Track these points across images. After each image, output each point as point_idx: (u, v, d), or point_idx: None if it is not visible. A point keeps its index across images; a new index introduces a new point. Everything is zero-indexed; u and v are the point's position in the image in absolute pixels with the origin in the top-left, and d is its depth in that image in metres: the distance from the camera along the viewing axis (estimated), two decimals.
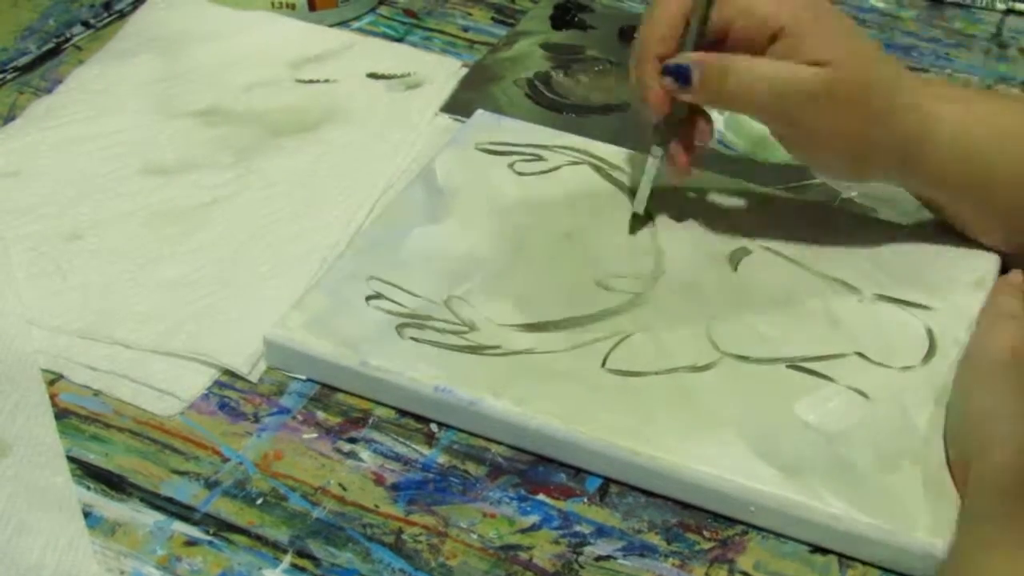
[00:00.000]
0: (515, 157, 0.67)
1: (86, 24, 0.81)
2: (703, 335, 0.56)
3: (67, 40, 0.79)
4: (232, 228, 0.63)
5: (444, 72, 0.77)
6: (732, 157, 0.71)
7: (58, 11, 0.82)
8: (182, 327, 0.57)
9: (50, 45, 0.79)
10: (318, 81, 0.75)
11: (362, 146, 0.70)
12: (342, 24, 0.82)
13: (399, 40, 0.81)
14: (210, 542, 0.48)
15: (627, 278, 0.59)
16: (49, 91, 0.73)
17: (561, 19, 0.84)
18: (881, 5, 0.91)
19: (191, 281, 0.59)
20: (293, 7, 0.80)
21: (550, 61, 0.79)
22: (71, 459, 0.51)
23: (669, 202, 0.64)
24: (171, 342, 0.56)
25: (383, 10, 0.85)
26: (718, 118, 0.75)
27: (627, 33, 0.83)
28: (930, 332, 0.57)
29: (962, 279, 0.60)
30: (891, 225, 0.65)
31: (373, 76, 0.76)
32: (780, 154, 0.72)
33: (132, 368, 0.55)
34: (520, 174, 0.66)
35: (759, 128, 0.73)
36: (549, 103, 0.75)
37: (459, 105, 0.74)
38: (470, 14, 0.85)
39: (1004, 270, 0.61)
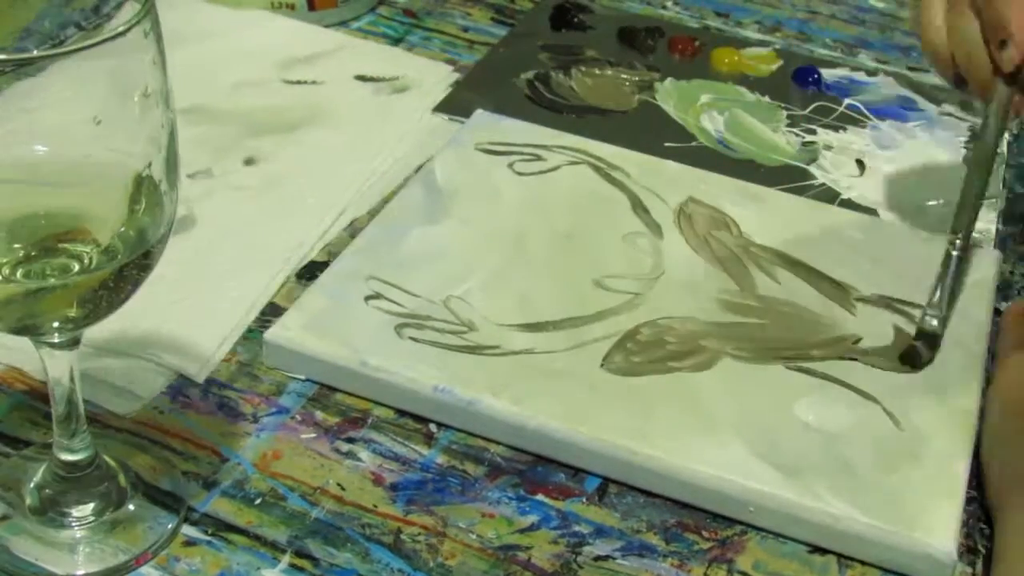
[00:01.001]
0: (514, 157, 0.67)
1: (78, 26, 0.81)
2: (702, 335, 0.56)
3: (61, 42, 0.79)
4: (199, 227, 0.63)
5: (434, 76, 0.76)
6: (733, 158, 0.71)
7: (52, 13, 0.82)
8: (137, 325, 0.56)
9: (45, 46, 0.79)
10: (305, 82, 0.75)
11: (341, 148, 0.69)
12: (342, 24, 0.82)
13: (398, 40, 0.81)
14: (209, 542, 0.48)
15: (626, 278, 0.59)
16: None
17: (560, 20, 0.85)
18: (881, 5, 0.91)
19: (150, 280, 0.59)
20: (292, 7, 0.80)
21: (550, 61, 0.79)
22: None
23: (668, 203, 0.64)
24: (124, 341, 0.55)
25: (383, 10, 0.85)
26: (718, 119, 0.75)
27: (626, 34, 0.83)
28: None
29: (961, 279, 0.60)
30: (891, 225, 0.65)
31: (361, 78, 0.76)
32: (780, 155, 0.72)
33: (89, 365, 0.54)
34: (519, 174, 0.66)
35: (761, 129, 0.73)
36: (549, 104, 0.75)
37: (459, 105, 0.74)
38: (469, 14, 0.85)
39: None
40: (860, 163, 0.72)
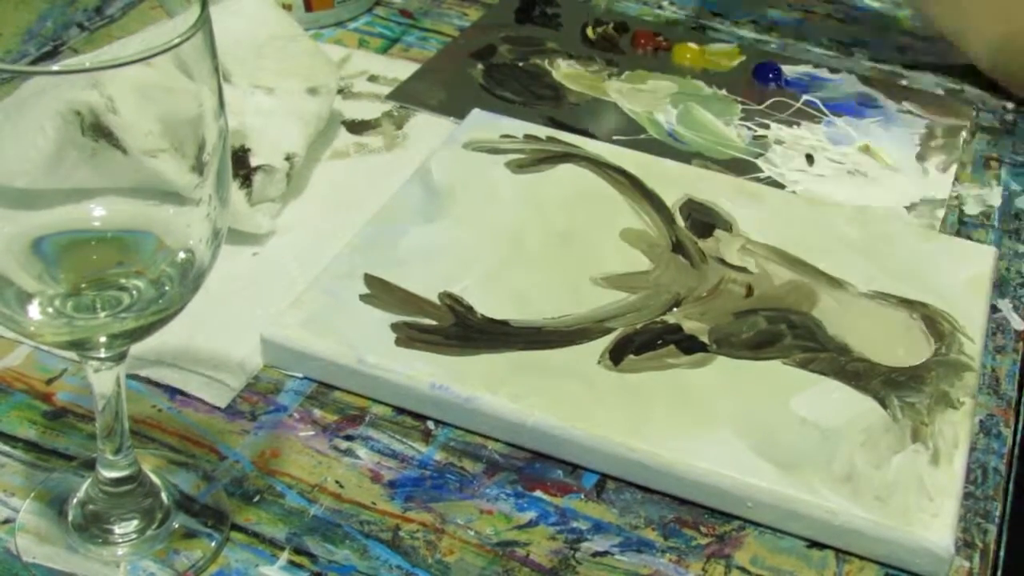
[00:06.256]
0: (511, 155, 0.67)
1: (81, 27, 0.81)
2: (699, 332, 0.56)
3: (64, 43, 0.79)
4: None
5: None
6: (681, 151, 0.71)
7: (55, 14, 0.82)
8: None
9: (47, 48, 0.79)
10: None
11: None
12: (338, 25, 0.82)
13: (395, 40, 0.82)
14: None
15: (623, 275, 0.59)
16: None
17: (526, 12, 0.85)
18: (877, 5, 0.91)
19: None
20: (289, 8, 0.80)
21: (509, 53, 0.80)
22: (69, 456, 0.51)
23: (665, 201, 0.64)
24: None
25: (379, 10, 0.85)
26: (671, 111, 0.75)
27: (588, 29, 0.83)
28: (927, 328, 0.57)
29: (958, 275, 0.60)
30: (888, 222, 0.65)
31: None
32: (730, 148, 0.72)
33: (178, 358, 0.55)
34: (516, 172, 0.66)
35: (713, 123, 0.74)
36: (502, 95, 0.75)
37: (410, 94, 0.74)
38: (466, 14, 0.86)
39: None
40: (810, 157, 0.72)
